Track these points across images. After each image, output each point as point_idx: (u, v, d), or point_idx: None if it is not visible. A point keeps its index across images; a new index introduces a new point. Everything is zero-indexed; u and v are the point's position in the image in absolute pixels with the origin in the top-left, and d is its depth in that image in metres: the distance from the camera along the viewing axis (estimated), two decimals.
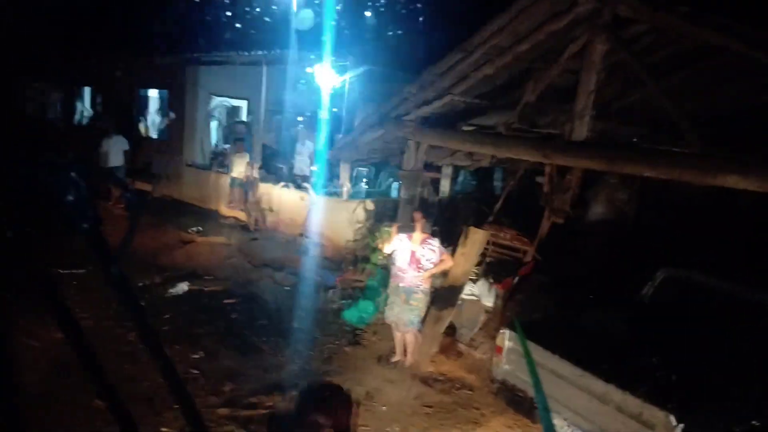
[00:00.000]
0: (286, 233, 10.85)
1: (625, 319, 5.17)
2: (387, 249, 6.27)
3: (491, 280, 6.54)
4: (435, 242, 5.99)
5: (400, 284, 6.13)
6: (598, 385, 4.33)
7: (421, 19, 16.12)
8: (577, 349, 4.69)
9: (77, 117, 16.86)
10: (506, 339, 5.03)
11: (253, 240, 10.38)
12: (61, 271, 7.89)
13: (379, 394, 5.82)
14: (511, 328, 5.30)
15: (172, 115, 13.15)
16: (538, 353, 4.56)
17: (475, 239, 6.57)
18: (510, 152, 5.63)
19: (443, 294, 6.57)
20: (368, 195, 11.11)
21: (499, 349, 5.10)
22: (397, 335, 6.40)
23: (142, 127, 14.90)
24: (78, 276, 7.79)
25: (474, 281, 6.61)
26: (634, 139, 6.94)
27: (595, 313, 5.40)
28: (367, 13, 14.76)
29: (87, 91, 16.74)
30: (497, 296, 6.47)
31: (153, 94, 15.20)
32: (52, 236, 8.54)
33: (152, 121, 15.00)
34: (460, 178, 11.89)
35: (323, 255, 9.90)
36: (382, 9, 14.66)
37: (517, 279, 6.41)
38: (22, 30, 15.75)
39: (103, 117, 13.50)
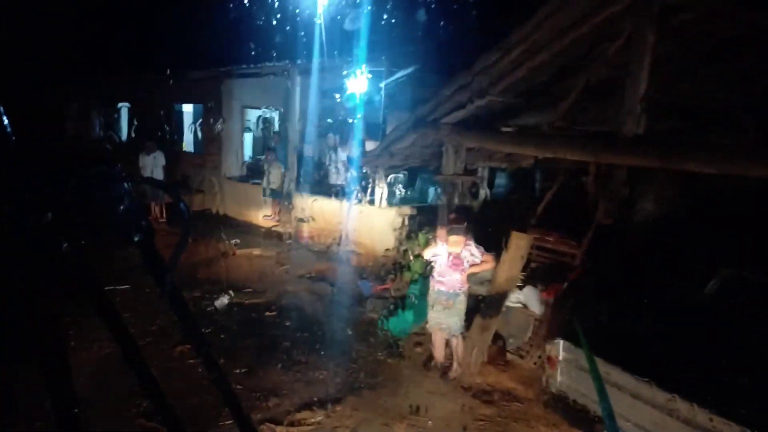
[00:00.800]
0: (322, 243, 10.79)
1: (685, 324, 4.85)
2: (427, 254, 6.18)
3: (538, 287, 6.28)
4: (474, 245, 5.89)
5: (441, 288, 5.99)
6: (662, 397, 4.05)
7: (455, 21, 15.95)
8: (636, 357, 4.41)
9: (116, 134, 17.27)
10: (560, 349, 4.77)
11: (290, 251, 10.34)
12: (109, 287, 7.96)
13: (426, 407, 5.62)
14: (566, 337, 5.05)
15: (220, 126, 13.17)
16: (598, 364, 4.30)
17: (519, 244, 6.33)
18: (555, 152, 5.38)
19: (489, 302, 6.34)
20: (404, 201, 10.96)
21: (553, 360, 4.84)
22: (437, 340, 6.25)
23: (178, 142, 15.14)
24: (125, 289, 7.88)
25: (520, 288, 6.36)
26: (686, 133, 6.58)
27: (652, 318, 5.09)
28: (400, 18, 14.65)
29: (125, 109, 17.15)
30: (545, 304, 6.20)
31: (188, 109, 15.44)
32: (107, 248, 8.69)
33: (188, 136, 15.22)
34: (498, 181, 11.63)
35: (360, 264, 9.79)
36: (416, 14, 14.50)
37: (565, 285, 6.12)
38: (57, 50, 16.26)
39: (140, 133, 13.76)
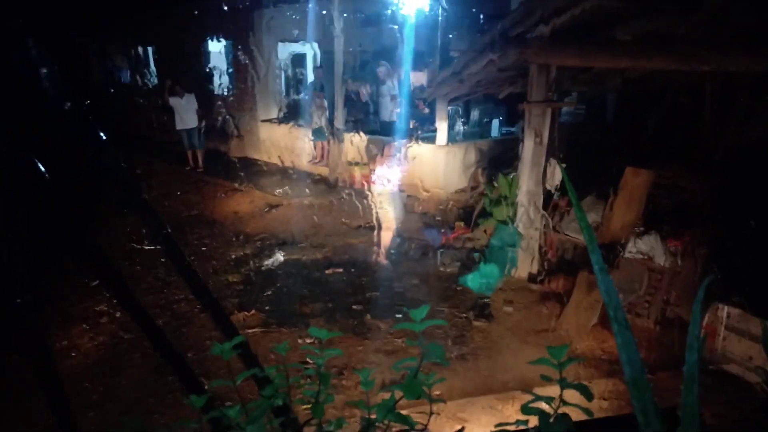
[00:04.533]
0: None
1: None
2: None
3: (663, 233, 5.15)
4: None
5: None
6: None
7: None
8: None
9: (143, 79, 16.25)
10: (725, 315, 3.70)
11: (343, 198, 9.36)
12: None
13: (533, 382, 4.70)
14: (708, 297, 3.99)
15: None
16: None
17: (637, 183, 5.19)
18: (702, 62, 4.12)
19: (601, 253, 5.24)
20: (466, 137, 9.75)
21: (713, 328, 3.78)
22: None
23: (212, 83, 14.04)
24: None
25: (640, 236, 5.25)
26: None
27: None
28: None
29: (150, 51, 16.03)
30: (671, 253, 5.09)
31: (220, 47, 14.23)
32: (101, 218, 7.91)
33: (222, 77, 14.09)
34: (570, 108, 10.23)
35: (423, 210, 8.75)
36: None
37: (696, 230, 4.98)
38: None
39: (170, 76, 12.72)
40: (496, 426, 0.88)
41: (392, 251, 7.41)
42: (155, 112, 14.01)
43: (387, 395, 1.02)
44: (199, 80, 13.42)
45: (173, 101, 10.96)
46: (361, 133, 10.05)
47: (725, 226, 5.01)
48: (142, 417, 4.26)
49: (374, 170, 7.39)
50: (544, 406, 0.93)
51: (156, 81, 15.79)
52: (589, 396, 0.90)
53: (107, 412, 4.41)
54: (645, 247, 5.14)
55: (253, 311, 5.92)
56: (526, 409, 0.90)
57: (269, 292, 6.33)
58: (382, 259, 7.16)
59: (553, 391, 0.98)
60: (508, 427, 0.87)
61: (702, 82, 6.36)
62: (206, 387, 1.12)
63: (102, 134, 1.34)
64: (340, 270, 6.87)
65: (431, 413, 1.06)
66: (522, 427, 0.91)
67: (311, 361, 1.14)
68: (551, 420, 0.85)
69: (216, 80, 13.93)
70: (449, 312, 5.97)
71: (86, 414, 4.37)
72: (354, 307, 6.07)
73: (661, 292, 5.28)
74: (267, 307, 6.01)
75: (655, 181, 5.74)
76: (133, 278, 6.76)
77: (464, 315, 5.92)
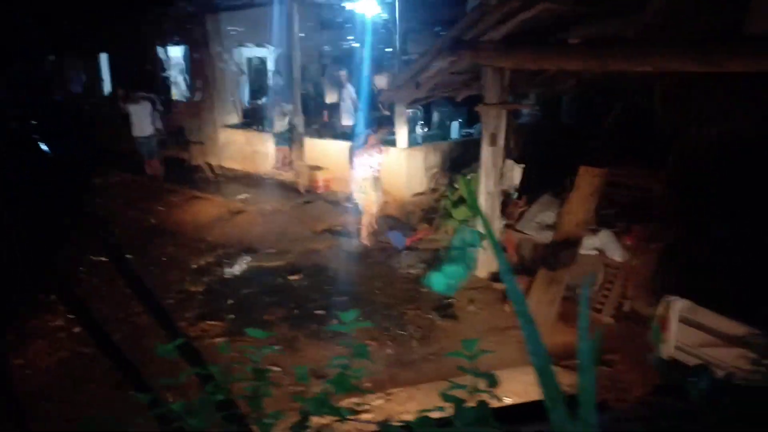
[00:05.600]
0: (340, 192, 9.74)
1: None
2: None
3: (616, 230, 5.33)
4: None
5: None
6: None
7: None
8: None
9: (98, 87, 15.82)
10: (676, 309, 3.86)
11: (306, 203, 9.33)
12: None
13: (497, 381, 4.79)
14: (663, 290, 4.16)
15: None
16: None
17: (591, 181, 5.34)
18: (652, 63, 4.28)
19: (556, 250, 5.40)
20: (426, 140, 9.85)
21: (665, 322, 3.94)
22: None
23: (169, 89, 13.78)
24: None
25: (594, 232, 5.41)
26: None
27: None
28: None
29: (104, 58, 15.61)
30: (626, 249, 5.26)
31: (176, 53, 13.98)
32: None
33: (179, 83, 13.84)
34: (526, 111, 10.45)
35: (386, 213, 8.79)
36: None
37: (650, 225, 5.17)
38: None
39: (124, 84, 12.42)
40: (419, 412, 0.95)
41: (355, 254, 7.45)
42: (113, 121, 13.67)
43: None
44: (156, 87, 13.16)
45: (129, 108, 10.72)
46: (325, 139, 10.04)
47: (678, 222, 5.21)
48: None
49: (355, 158, 7.68)
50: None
51: (112, 89, 15.40)
52: (494, 383, 1.05)
53: None
54: (599, 243, 5.30)
55: (216, 320, 5.85)
56: (446, 397, 0.98)
57: (232, 301, 6.27)
58: (366, 241, 7.67)
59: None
60: (430, 414, 0.94)
61: (654, 82, 6.60)
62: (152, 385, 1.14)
63: (48, 150, 1.27)
64: (302, 276, 6.84)
65: (363, 404, 1.20)
66: (442, 413, 0.99)
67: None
68: (465, 405, 0.95)
69: (173, 86, 13.69)
70: (414, 313, 6.03)
71: None
72: (317, 312, 6.06)
73: (617, 287, 5.46)
74: (230, 316, 5.95)
75: (611, 180, 5.93)
76: (91, 291, 6.59)
77: (429, 316, 5.98)
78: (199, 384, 1.15)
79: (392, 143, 9.08)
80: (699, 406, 0.91)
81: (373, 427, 1.05)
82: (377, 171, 7.63)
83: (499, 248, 0.84)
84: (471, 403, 0.97)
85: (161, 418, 1.01)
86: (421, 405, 4.20)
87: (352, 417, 1.09)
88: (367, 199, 7.60)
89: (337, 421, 1.07)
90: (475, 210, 6.67)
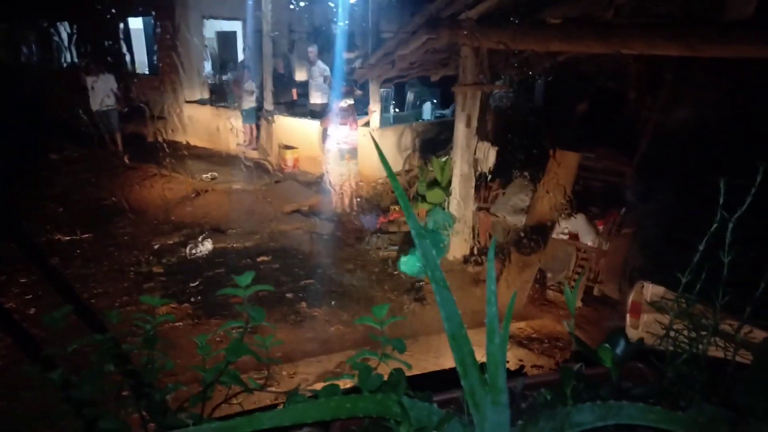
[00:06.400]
0: (309, 172, 9.52)
1: None
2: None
3: (590, 214, 5.31)
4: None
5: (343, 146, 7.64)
6: None
7: None
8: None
9: (57, 58, 15.05)
10: (648, 294, 3.85)
11: (275, 182, 9.09)
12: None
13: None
14: (632, 274, 4.15)
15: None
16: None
17: (565, 165, 5.30)
18: (629, 46, 4.22)
19: (528, 234, 5.36)
20: (399, 120, 9.70)
21: (637, 307, 3.93)
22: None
23: (131, 62, 13.20)
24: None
25: (568, 216, 5.38)
26: None
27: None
28: None
29: (64, 28, 14.83)
30: (598, 233, 5.25)
31: (138, 24, 13.38)
32: None
33: (141, 56, 13.28)
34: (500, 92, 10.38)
35: (357, 194, 8.64)
36: None
37: (623, 210, 5.17)
38: None
39: (85, 55, 11.83)
40: (325, 380, 0.94)
41: (325, 236, 7.29)
42: (73, 93, 13.02)
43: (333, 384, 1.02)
44: (118, 58, 12.58)
45: (89, 81, 10.20)
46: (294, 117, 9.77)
47: (650, 206, 5.21)
48: None
49: (327, 130, 7.88)
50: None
51: (71, 60, 14.67)
52: (402, 349, 1.05)
53: None
54: (572, 227, 5.28)
55: (178, 303, 5.63)
56: (354, 365, 0.97)
57: (196, 283, 6.04)
58: (336, 207, 7.95)
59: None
60: (336, 381, 0.93)
61: (627, 66, 6.58)
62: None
63: None
64: (270, 257, 6.66)
65: (268, 372, 1.20)
66: (348, 381, 1.01)
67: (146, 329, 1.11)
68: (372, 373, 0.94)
69: (136, 59, 13.12)
70: (383, 296, 5.93)
71: None
72: (288, 295, 5.90)
73: (588, 271, 5.46)
74: (194, 299, 5.73)
75: (584, 164, 5.90)
76: (47, 273, 6.25)
77: (399, 299, 5.90)
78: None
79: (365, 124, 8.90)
80: (609, 370, 0.92)
81: (281, 396, 1.03)
82: (349, 143, 7.72)
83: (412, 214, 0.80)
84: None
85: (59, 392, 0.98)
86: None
87: (257, 388, 1.07)
88: (338, 171, 7.77)
89: (243, 391, 1.05)
90: (447, 192, 6.58)
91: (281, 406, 1.00)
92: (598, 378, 0.98)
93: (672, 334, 1.04)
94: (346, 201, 7.84)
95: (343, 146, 7.73)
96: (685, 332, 1.03)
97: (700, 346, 1.02)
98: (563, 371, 0.90)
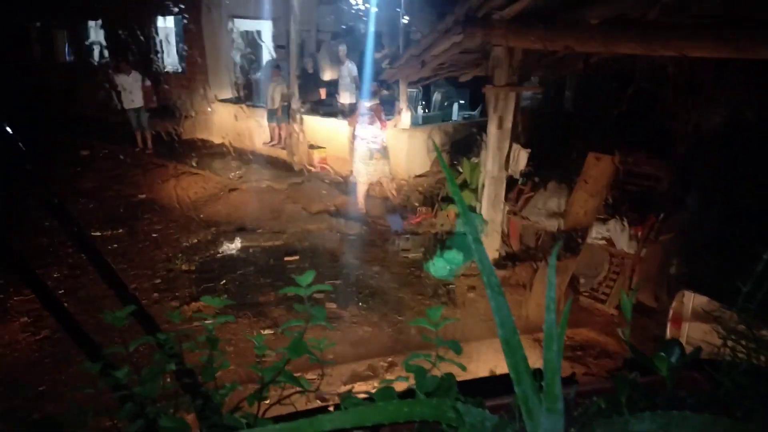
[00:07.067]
0: (336, 172, 9.51)
1: None
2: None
3: (625, 220, 5.17)
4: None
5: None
6: None
7: None
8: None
9: (89, 56, 15.30)
10: (690, 303, 3.72)
11: (303, 183, 9.09)
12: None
13: (503, 371, 4.65)
14: (671, 283, 4.01)
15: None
16: None
17: (600, 169, 5.17)
18: (672, 48, 4.09)
19: (564, 239, 5.24)
20: (427, 121, 9.62)
21: (677, 317, 3.80)
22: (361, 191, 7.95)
23: (161, 61, 13.35)
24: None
25: (603, 222, 5.25)
26: None
27: None
28: None
29: (97, 27, 15.07)
30: (634, 239, 5.11)
31: (170, 24, 13.53)
32: None
33: (172, 55, 13.42)
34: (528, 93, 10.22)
35: (383, 195, 8.59)
36: None
37: (661, 216, 5.02)
38: None
39: (116, 54, 11.99)
40: (381, 382, 0.94)
41: (352, 237, 7.26)
42: (104, 91, 13.24)
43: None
44: (148, 57, 12.75)
45: (119, 79, 10.35)
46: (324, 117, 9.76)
47: (690, 212, 5.06)
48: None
49: (355, 129, 7.95)
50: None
51: (101, 58, 14.91)
52: (458, 351, 1.05)
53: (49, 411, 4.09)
54: (608, 232, 5.15)
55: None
56: (409, 367, 0.97)
57: (225, 281, 6.06)
58: (362, 208, 7.95)
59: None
60: (391, 384, 0.93)
61: (664, 67, 6.40)
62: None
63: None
64: (298, 257, 6.65)
65: (323, 374, 1.27)
66: (404, 383, 0.99)
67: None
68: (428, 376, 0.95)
69: (166, 58, 13.27)
70: (411, 298, 5.88)
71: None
72: (315, 295, 5.86)
73: (623, 278, 5.32)
74: (223, 297, 5.74)
75: (620, 168, 5.76)
76: (79, 268, 6.34)
77: (428, 302, 5.82)
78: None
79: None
80: (665, 379, 0.89)
81: (335, 398, 1.01)
82: (378, 143, 7.77)
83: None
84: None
85: (114, 388, 0.99)
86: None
87: (312, 389, 1.07)
88: (361, 171, 7.85)
89: (297, 392, 1.05)
90: (477, 195, 6.49)
91: (332, 409, 1.00)
92: (651, 386, 0.96)
93: (729, 344, 1.00)
94: (373, 201, 7.81)
95: (372, 146, 7.71)
96: (743, 342, 0.99)
97: (762, 357, 0.98)
98: (618, 379, 0.88)
